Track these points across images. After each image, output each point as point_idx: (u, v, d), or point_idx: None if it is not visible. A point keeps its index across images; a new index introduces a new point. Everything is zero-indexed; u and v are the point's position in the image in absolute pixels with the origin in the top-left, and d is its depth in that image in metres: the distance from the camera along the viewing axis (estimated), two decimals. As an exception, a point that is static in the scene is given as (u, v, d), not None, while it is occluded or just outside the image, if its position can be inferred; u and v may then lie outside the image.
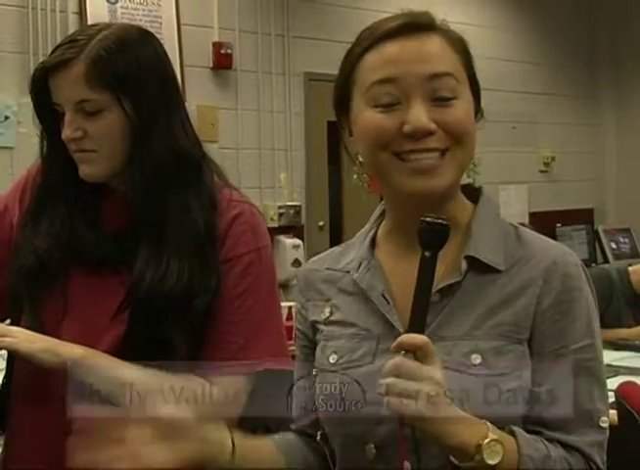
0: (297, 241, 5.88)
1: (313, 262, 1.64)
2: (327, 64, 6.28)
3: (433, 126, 1.41)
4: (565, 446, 1.40)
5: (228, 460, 1.43)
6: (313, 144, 6.20)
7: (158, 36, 1.87)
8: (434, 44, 1.44)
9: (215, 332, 1.80)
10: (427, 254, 1.34)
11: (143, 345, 1.76)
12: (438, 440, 1.33)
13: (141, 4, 5.30)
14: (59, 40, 4.87)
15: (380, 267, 1.52)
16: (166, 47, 1.89)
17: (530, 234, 1.51)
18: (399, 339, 1.31)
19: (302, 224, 6.05)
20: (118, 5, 5.20)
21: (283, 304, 5.78)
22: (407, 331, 1.33)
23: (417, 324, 1.33)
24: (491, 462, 1.32)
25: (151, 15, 5.33)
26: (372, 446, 1.46)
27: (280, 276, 5.83)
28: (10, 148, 4.72)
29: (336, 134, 6.93)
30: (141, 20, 5.25)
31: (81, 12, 5.07)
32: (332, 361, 1.50)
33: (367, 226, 1.60)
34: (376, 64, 1.43)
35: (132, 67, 1.77)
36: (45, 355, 1.73)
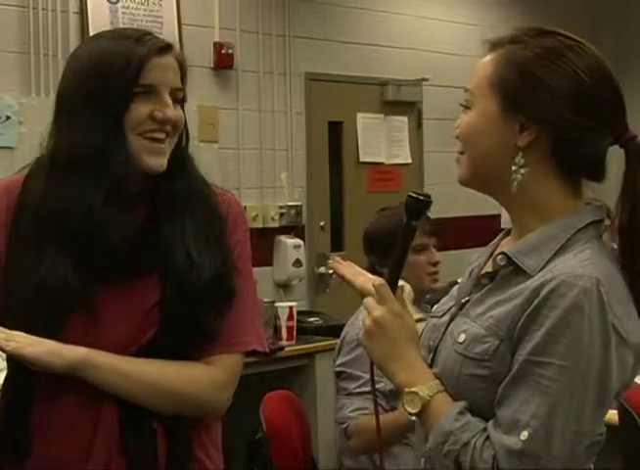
0: (299, 241, 5.88)
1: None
2: (328, 64, 6.30)
3: (456, 131, 1.69)
4: (488, 438, 1.51)
5: None
6: (314, 144, 6.20)
7: (158, 36, 1.90)
8: (478, 62, 1.68)
9: None
10: (404, 219, 1.68)
11: (178, 336, 1.82)
12: (380, 369, 1.63)
13: (142, 4, 5.30)
14: (60, 40, 4.95)
15: (489, 249, 1.77)
16: (167, 47, 1.91)
17: (578, 251, 1.58)
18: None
19: (303, 224, 6.04)
20: (119, 5, 5.20)
21: (283, 303, 5.79)
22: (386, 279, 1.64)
23: (390, 274, 1.66)
24: (409, 410, 1.57)
25: (152, 15, 5.33)
26: None
27: (281, 276, 5.88)
28: (11, 148, 4.71)
29: (336, 134, 6.94)
30: (142, 20, 5.25)
31: (82, 12, 5.07)
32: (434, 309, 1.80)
33: None
34: None
35: None
36: (50, 358, 1.76)
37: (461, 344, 1.59)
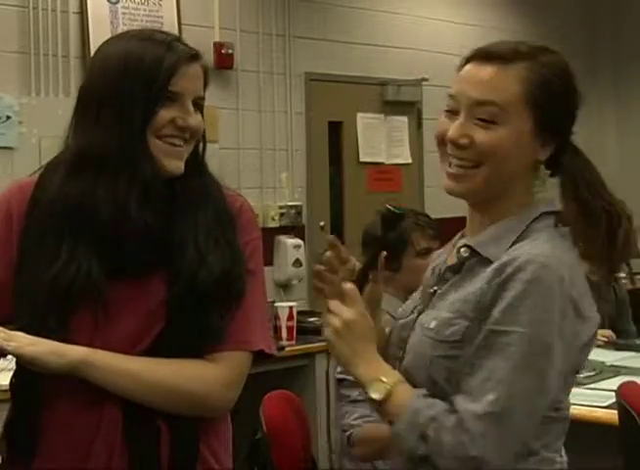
0: (299, 241, 5.88)
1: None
2: (328, 64, 6.31)
3: (463, 141, 1.68)
4: (452, 410, 1.61)
5: None
6: (314, 144, 6.20)
7: (187, 43, 1.94)
8: (491, 73, 1.69)
9: None
10: (378, 231, 1.82)
11: (185, 334, 1.83)
12: (344, 366, 1.73)
13: (142, 4, 5.30)
14: (60, 40, 4.95)
15: (450, 249, 1.84)
16: (167, 47, 1.92)
17: (535, 238, 1.70)
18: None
19: (303, 224, 6.04)
20: (119, 5, 5.20)
21: (283, 303, 5.79)
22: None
23: (362, 277, 1.82)
24: (374, 396, 1.67)
25: (151, 15, 5.33)
26: None
27: (281, 276, 5.88)
28: (11, 148, 4.71)
29: (336, 134, 6.94)
30: (142, 20, 5.25)
31: (82, 12, 5.07)
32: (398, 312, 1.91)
33: None
34: (455, 78, 1.75)
35: None
36: (50, 357, 1.76)
37: (432, 329, 1.69)
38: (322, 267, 1.81)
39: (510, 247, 1.68)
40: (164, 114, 1.83)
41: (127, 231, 1.80)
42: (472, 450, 1.56)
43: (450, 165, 1.72)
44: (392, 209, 1.82)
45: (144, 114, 1.82)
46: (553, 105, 1.71)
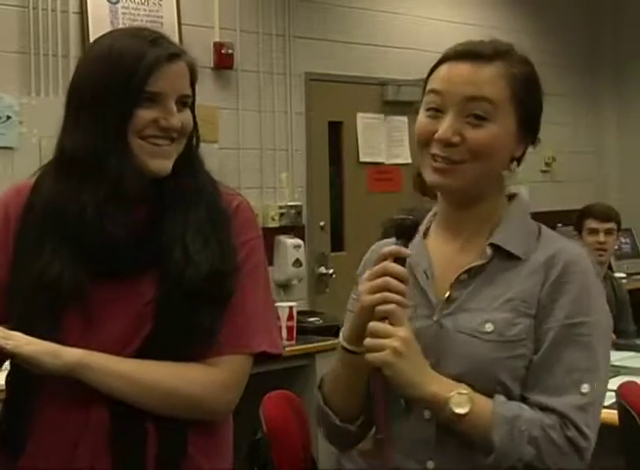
0: (299, 241, 5.88)
1: (379, 245, 1.88)
2: (328, 64, 6.31)
3: (456, 139, 1.68)
4: (543, 408, 1.63)
5: None
6: (314, 144, 6.20)
7: (172, 41, 1.91)
8: (479, 71, 1.71)
9: None
10: (398, 242, 1.69)
11: (174, 334, 1.82)
12: (409, 390, 1.63)
13: (142, 4, 5.30)
14: (60, 40, 4.95)
15: (426, 250, 1.80)
16: (167, 47, 1.90)
17: (550, 232, 1.79)
18: (377, 308, 1.63)
19: (303, 224, 6.04)
20: (119, 5, 5.20)
21: (283, 303, 5.77)
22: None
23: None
24: (459, 411, 1.61)
25: (152, 15, 5.33)
26: (402, 400, 1.73)
27: (281, 276, 5.89)
28: (11, 148, 4.71)
29: (336, 134, 6.93)
30: (142, 20, 5.25)
31: (82, 12, 5.07)
32: None
33: (425, 220, 1.87)
34: (434, 77, 1.77)
35: None
36: (47, 358, 1.76)
37: (490, 333, 1.67)
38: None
39: (532, 243, 1.74)
40: (145, 114, 1.80)
41: (108, 233, 1.80)
42: (581, 443, 1.61)
43: (436, 161, 1.71)
44: (402, 217, 1.73)
45: (121, 113, 1.79)
46: (532, 102, 1.76)
